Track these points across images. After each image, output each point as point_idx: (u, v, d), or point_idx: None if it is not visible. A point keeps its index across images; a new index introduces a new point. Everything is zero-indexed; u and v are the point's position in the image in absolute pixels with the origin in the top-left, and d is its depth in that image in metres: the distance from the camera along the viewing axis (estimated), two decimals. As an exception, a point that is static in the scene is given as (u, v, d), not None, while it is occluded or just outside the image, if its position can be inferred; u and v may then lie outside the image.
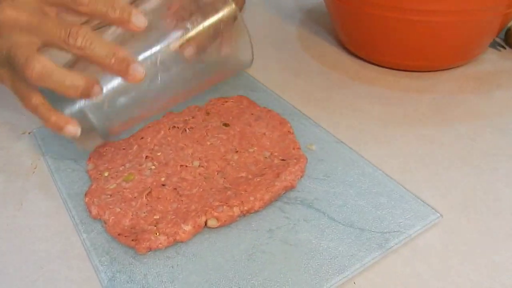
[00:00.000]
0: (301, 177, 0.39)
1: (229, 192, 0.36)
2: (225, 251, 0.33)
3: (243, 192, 0.36)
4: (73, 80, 0.31)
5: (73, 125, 0.33)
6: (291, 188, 0.38)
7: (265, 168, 0.39)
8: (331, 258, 0.32)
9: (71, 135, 0.33)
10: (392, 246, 0.33)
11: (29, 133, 0.46)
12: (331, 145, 0.43)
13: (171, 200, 0.36)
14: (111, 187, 0.38)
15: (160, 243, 0.33)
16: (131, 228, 0.34)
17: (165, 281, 0.32)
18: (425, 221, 0.35)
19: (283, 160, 0.40)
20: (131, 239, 0.33)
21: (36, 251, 0.35)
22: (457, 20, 0.47)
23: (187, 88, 0.39)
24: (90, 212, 0.36)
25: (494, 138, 0.44)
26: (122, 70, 0.31)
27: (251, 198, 0.36)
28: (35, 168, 0.42)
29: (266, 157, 0.41)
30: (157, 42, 0.34)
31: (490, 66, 0.55)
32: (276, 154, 0.41)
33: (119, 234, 0.34)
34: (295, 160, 0.39)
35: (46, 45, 0.31)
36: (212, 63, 0.39)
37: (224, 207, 0.35)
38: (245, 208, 0.35)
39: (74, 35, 0.30)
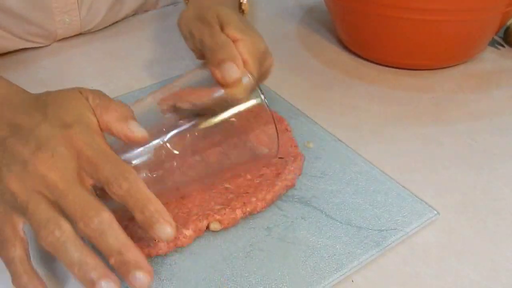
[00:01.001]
0: (299, 175, 0.39)
1: (230, 195, 0.36)
2: (223, 248, 0.33)
3: (244, 194, 0.36)
4: (85, 259, 0.26)
5: None
6: (291, 187, 0.38)
7: (263, 167, 0.39)
8: (328, 256, 0.33)
9: None
10: (390, 244, 0.33)
11: None
12: (329, 143, 0.43)
13: (172, 206, 0.36)
14: None
15: (160, 249, 0.32)
16: (129, 236, 0.34)
17: (163, 279, 0.32)
18: (422, 218, 0.35)
19: (281, 158, 0.40)
20: None
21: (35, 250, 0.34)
22: (456, 18, 0.47)
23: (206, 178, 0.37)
24: None
25: (493, 136, 0.44)
26: (121, 272, 0.26)
27: (253, 199, 0.35)
28: None
29: (248, 171, 0.40)
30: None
31: (489, 65, 0.55)
32: (261, 166, 0.41)
33: None
34: (292, 158, 0.39)
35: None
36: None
37: (227, 209, 0.35)
38: (248, 209, 0.35)
39: (86, 221, 0.26)
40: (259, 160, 0.39)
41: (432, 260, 0.33)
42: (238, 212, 0.35)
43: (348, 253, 0.33)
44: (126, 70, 0.55)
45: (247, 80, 0.34)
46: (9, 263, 0.28)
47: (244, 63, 0.35)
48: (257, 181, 0.38)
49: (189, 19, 0.40)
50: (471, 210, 0.37)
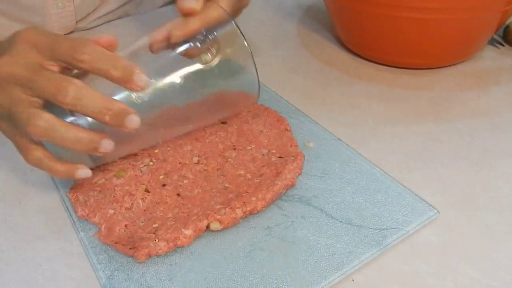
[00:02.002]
0: (299, 174, 0.39)
1: (230, 195, 0.36)
2: (223, 248, 0.33)
3: (244, 194, 0.36)
4: (77, 134, 0.30)
5: (82, 169, 0.33)
6: (291, 186, 0.38)
7: (263, 166, 0.39)
8: (329, 255, 0.33)
9: (83, 178, 0.33)
10: (390, 243, 0.33)
11: None
12: (329, 142, 0.43)
13: (172, 205, 0.36)
14: (99, 182, 0.37)
15: (160, 249, 0.32)
16: (129, 237, 0.34)
17: (163, 279, 0.32)
18: (423, 217, 0.35)
19: (280, 157, 0.40)
20: (129, 247, 0.32)
21: (34, 249, 0.35)
22: (455, 17, 0.47)
23: (188, 115, 0.39)
24: (76, 211, 0.36)
25: (493, 134, 0.44)
26: (119, 123, 0.30)
27: (253, 199, 0.35)
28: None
29: (263, 155, 0.40)
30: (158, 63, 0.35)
31: (488, 64, 0.55)
32: (273, 151, 0.41)
33: (116, 243, 0.33)
34: (292, 158, 0.39)
35: (42, 100, 0.30)
36: (213, 84, 0.38)
37: (227, 209, 0.34)
38: (248, 209, 0.35)
39: (63, 92, 0.29)
40: (241, 100, 0.41)
41: (433, 259, 0.33)
42: (239, 212, 0.35)
43: (349, 252, 0.33)
44: None
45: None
46: (38, 164, 0.32)
47: None
48: (257, 180, 0.38)
49: None
50: (470, 208, 0.37)
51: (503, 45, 0.58)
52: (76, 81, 0.29)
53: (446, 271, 0.32)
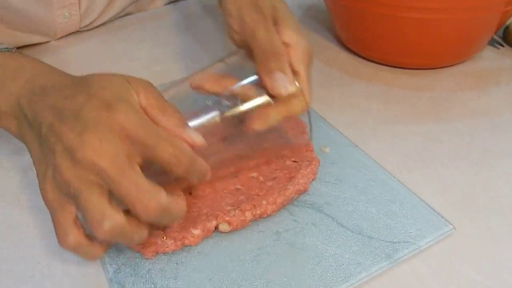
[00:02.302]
0: (313, 180, 0.38)
1: (241, 197, 0.36)
2: (231, 250, 0.33)
3: (255, 197, 0.36)
4: (141, 236, 0.29)
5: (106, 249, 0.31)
6: (303, 191, 0.37)
7: (276, 170, 0.39)
8: (337, 265, 0.32)
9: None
10: (401, 257, 0.33)
11: None
12: (345, 148, 0.42)
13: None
14: None
15: (167, 247, 0.32)
16: None
17: (168, 277, 0.32)
18: (437, 232, 0.34)
19: (295, 161, 0.39)
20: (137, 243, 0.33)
21: (33, 246, 0.34)
22: (455, 18, 0.46)
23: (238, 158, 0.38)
24: None
25: (493, 135, 0.44)
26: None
27: (264, 202, 0.35)
28: (32, 165, 0.42)
29: (278, 157, 0.40)
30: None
31: (488, 64, 0.54)
32: (288, 155, 0.40)
33: None
34: (307, 162, 0.39)
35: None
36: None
37: (236, 211, 0.34)
38: (258, 212, 0.35)
39: (143, 206, 0.27)
40: (289, 148, 0.40)
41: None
42: (248, 215, 0.34)
43: (357, 263, 0.32)
44: (125, 69, 0.54)
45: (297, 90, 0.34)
46: (73, 249, 0.29)
47: (295, 74, 0.35)
48: (269, 183, 0.37)
49: (242, 1, 0.39)
50: (470, 208, 0.36)
51: (503, 46, 0.58)
52: (160, 196, 0.27)
53: (449, 273, 0.32)
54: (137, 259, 0.33)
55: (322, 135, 0.43)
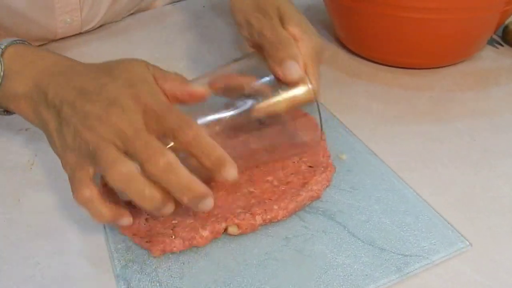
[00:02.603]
0: (327, 186, 0.38)
1: (253, 200, 0.36)
2: (238, 254, 0.33)
3: (267, 201, 0.35)
4: (152, 193, 0.29)
5: (127, 217, 0.31)
6: (316, 198, 0.37)
7: (291, 174, 0.38)
8: (344, 275, 0.31)
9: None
10: (412, 271, 0.32)
11: (26, 130, 0.46)
12: (363, 156, 0.41)
13: None
14: None
15: (175, 247, 0.32)
16: (147, 230, 0.34)
17: (174, 276, 0.32)
18: (452, 248, 0.33)
19: (310, 167, 0.39)
20: (146, 241, 0.33)
21: (33, 247, 0.35)
22: (455, 17, 0.46)
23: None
24: None
25: (492, 134, 0.43)
26: (194, 206, 0.30)
27: (275, 207, 0.35)
28: (32, 165, 0.42)
29: (294, 162, 0.40)
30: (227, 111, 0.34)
31: (488, 64, 0.54)
32: (305, 160, 0.40)
33: (134, 234, 0.34)
34: (322, 169, 0.38)
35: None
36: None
37: (247, 214, 0.34)
38: (268, 217, 0.34)
39: (153, 162, 0.28)
40: (301, 147, 0.39)
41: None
42: (258, 219, 0.34)
43: (366, 275, 0.31)
44: None
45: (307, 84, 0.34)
46: (85, 203, 0.30)
47: (304, 67, 0.35)
48: (283, 188, 0.37)
49: (247, 7, 0.40)
50: (470, 208, 0.36)
51: (502, 45, 0.57)
52: (170, 155, 0.29)
53: (448, 273, 0.31)
54: (145, 257, 0.33)
55: (340, 142, 0.43)
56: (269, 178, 0.38)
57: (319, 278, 0.31)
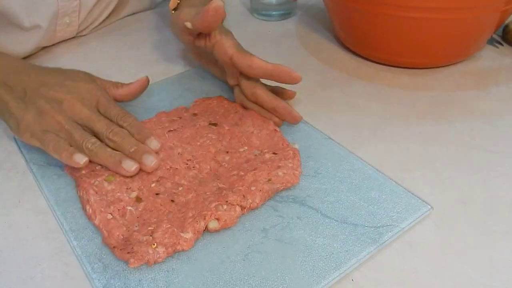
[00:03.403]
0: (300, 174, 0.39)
1: (225, 192, 0.36)
2: (220, 252, 0.33)
3: (241, 188, 0.36)
4: (112, 153, 0.38)
5: (80, 154, 0.38)
6: (292, 184, 0.38)
7: (260, 163, 0.39)
8: (326, 255, 0.33)
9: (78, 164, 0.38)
10: (386, 240, 0.34)
11: None
12: (319, 141, 0.43)
13: (166, 211, 0.35)
14: (95, 183, 0.37)
15: (159, 257, 0.32)
16: (125, 240, 0.33)
17: (161, 286, 0.31)
18: (417, 214, 0.35)
19: (274, 153, 0.40)
20: (127, 252, 0.32)
21: (33, 248, 0.34)
22: (455, 17, 0.47)
23: None
24: (84, 209, 0.36)
25: (492, 134, 0.44)
26: (136, 156, 0.38)
27: (253, 188, 0.36)
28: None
29: (256, 155, 0.40)
30: None
31: (488, 63, 0.55)
32: (265, 151, 0.41)
33: (114, 247, 0.33)
34: (291, 154, 0.39)
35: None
36: None
37: (225, 206, 0.34)
38: (249, 201, 0.35)
39: (112, 132, 0.39)
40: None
41: (431, 257, 0.33)
42: (238, 209, 0.35)
43: (346, 251, 0.33)
44: (125, 70, 0.55)
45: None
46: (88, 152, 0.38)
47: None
48: (251, 173, 0.37)
49: (231, 46, 0.43)
50: (470, 207, 0.37)
51: (502, 45, 0.58)
52: (93, 140, 0.38)
53: (445, 270, 0.32)
54: (126, 272, 0.32)
55: (294, 131, 0.44)
56: (234, 172, 0.38)
57: (304, 262, 0.32)
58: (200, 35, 0.45)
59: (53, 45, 0.60)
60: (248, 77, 0.44)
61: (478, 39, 0.52)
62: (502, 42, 0.58)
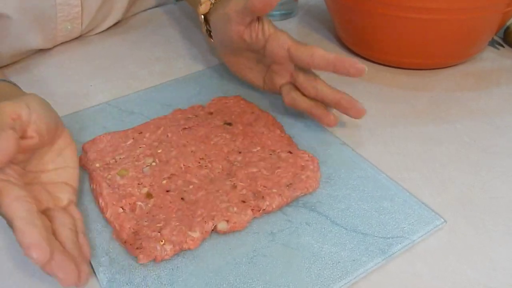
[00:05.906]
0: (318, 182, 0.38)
1: (241, 190, 0.36)
2: (226, 253, 0.33)
3: (259, 189, 0.36)
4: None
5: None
6: (313, 189, 0.37)
7: (281, 162, 0.39)
8: (333, 263, 0.32)
9: None
10: (395, 252, 0.33)
11: None
12: (334, 147, 0.42)
13: (175, 209, 0.35)
14: (109, 176, 0.37)
15: (167, 254, 0.32)
16: (135, 234, 0.33)
17: (165, 284, 0.31)
18: (429, 226, 0.35)
19: (290, 153, 0.39)
20: (136, 247, 0.32)
21: None
22: (456, 18, 0.46)
23: None
24: (97, 201, 0.36)
25: (492, 135, 0.44)
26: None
27: (274, 190, 0.36)
28: None
29: (271, 154, 0.40)
30: None
31: (488, 65, 0.54)
32: (279, 151, 0.40)
33: (125, 242, 0.33)
34: (310, 163, 0.39)
35: None
36: None
37: (235, 208, 0.34)
38: (267, 203, 0.35)
39: None
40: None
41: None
42: (249, 213, 0.34)
43: (353, 260, 0.32)
44: (126, 69, 0.55)
45: None
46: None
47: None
48: (274, 174, 0.37)
49: (287, 39, 0.42)
50: (469, 208, 0.36)
51: (503, 46, 0.58)
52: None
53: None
54: (132, 267, 0.32)
55: (310, 135, 0.43)
56: (254, 169, 0.38)
57: (309, 268, 0.32)
58: (251, 26, 0.42)
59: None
60: (305, 71, 0.42)
61: (479, 40, 0.52)
62: (503, 44, 0.58)
